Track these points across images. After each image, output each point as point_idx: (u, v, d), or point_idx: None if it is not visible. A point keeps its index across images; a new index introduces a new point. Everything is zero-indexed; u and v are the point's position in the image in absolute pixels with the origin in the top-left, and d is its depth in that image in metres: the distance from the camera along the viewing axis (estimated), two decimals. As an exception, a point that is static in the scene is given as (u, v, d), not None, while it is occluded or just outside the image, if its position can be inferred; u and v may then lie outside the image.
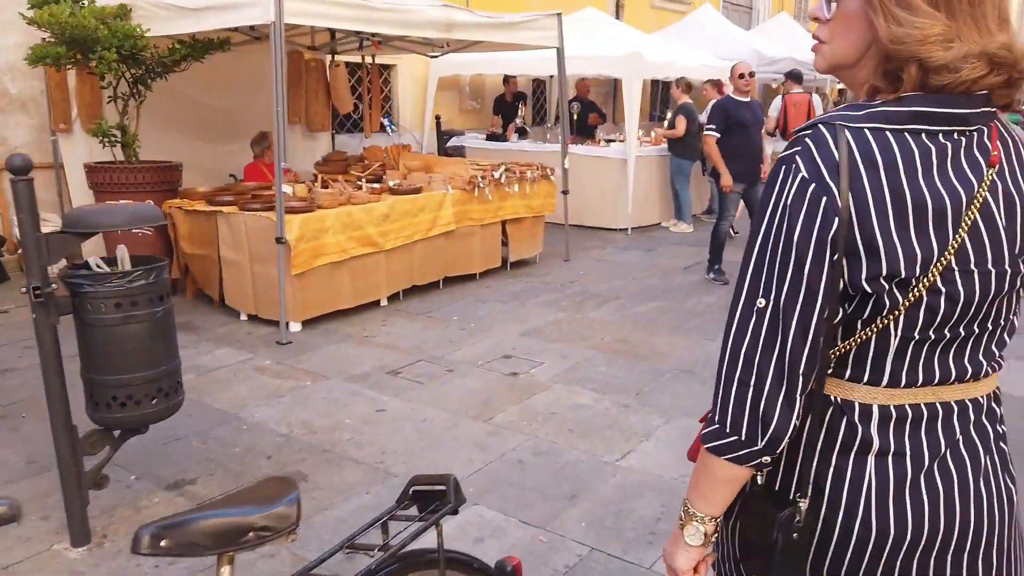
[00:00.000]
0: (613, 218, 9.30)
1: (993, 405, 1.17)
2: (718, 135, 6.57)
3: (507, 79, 10.47)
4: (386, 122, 9.82)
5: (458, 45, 7.63)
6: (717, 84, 10.03)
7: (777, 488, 1.17)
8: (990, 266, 1.06)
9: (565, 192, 7.58)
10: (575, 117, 10.06)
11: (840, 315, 1.07)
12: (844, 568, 1.12)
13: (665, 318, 5.66)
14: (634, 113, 8.85)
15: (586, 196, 9.42)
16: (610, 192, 9.26)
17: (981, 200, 1.04)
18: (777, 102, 9.76)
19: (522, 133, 10.19)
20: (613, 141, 9.73)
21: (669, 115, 9.60)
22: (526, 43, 7.02)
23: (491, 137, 9.91)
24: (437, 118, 8.90)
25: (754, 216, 1.15)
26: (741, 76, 6.71)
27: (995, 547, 1.14)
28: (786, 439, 1.08)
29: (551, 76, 11.63)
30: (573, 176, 9.25)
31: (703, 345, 5.03)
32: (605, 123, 10.78)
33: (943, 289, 1.03)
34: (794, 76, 10.01)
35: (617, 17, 13.62)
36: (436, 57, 8.10)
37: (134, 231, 5.08)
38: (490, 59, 9.27)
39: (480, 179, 6.38)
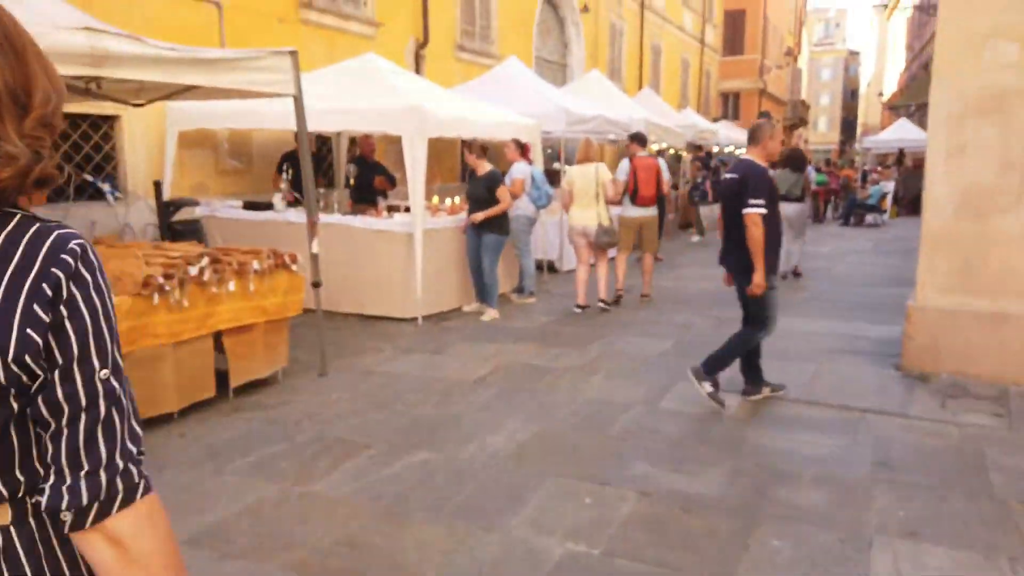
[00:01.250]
0: (400, 305, 7.38)
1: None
2: (765, 211, 4.57)
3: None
4: (106, 187, 7.44)
5: (170, 91, 5.53)
6: (518, 144, 8.48)
7: None
8: None
9: (316, 285, 5.57)
10: (351, 181, 8.15)
11: None
12: None
13: (426, 490, 3.73)
14: (419, 177, 7.04)
15: (366, 279, 7.45)
16: (396, 273, 7.35)
17: None
18: (625, 165, 8.43)
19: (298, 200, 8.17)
20: (397, 210, 7.89)
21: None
22: (249, 88, 5.02)
23: (249, 206, 7.77)
24: (156, 184, 6.66)
25: None
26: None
27: None
28: None
29: (338, 132, 9.69)
30: (351, 254, 7.29)
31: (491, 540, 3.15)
32: (396, 188, 8.92)
33: None
34: (639, 139, 8.85)
35: (417, 68, 11.95)
36: (140, 106, 5.91)
37: None
38: (238, 109, 7.19)
39: (163, 279, 4.24)
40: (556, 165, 12.05)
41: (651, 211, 8.33)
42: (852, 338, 6.55)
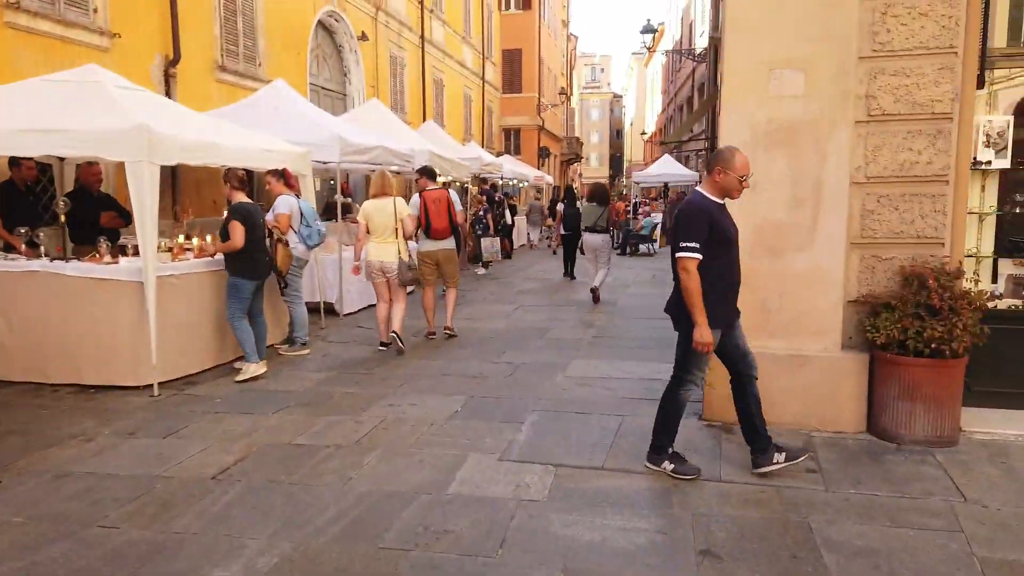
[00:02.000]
0: (130, 371, 5.84)
1: None
2: (699, 256, 3.82)
3: (16, 160, 6.66)
4: None
5: None
6: (281, 175, 7.27)
7: None
8: None
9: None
10: (62, 218, 6.47)
11: None
12: None
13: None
14: (147, 213, 5.61)
15: (83, 339, 5.84)
16: (123, 332, 5.81)
17: None
18: (415, 200, 7.71)
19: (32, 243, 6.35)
20: (126, 252, 6.34)
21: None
22: None
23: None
24: None
25: None
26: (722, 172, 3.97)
27: None
28: None
29: (61, 159, 7.82)
30: (64, 308, 5.70)
31: None
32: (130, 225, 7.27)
33: None
34: (427, 172, 8.31)
35: (167, 89, 10.25)
36: None
37: None
38: None
39: None
40: (338, 198, 10.89)
41: (447, 243, 7.86)
42: (649, 382, 6.05)
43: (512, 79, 32.82)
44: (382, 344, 7.38)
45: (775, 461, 4.07)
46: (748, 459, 4.25)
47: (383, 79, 18.67)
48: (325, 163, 9.70)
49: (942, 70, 4.57)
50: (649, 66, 55.75)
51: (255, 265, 6.45)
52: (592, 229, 10.60)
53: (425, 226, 7.63)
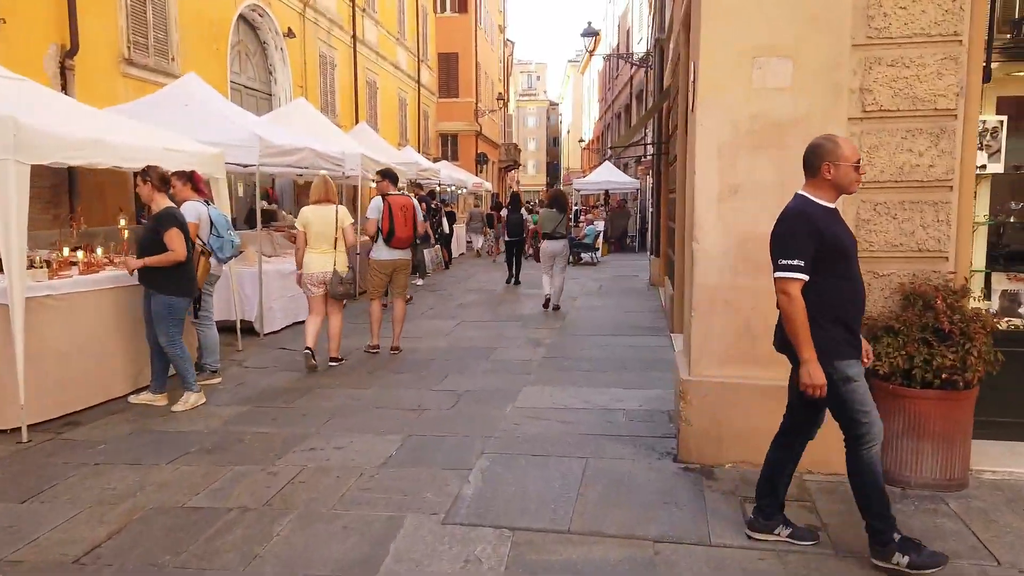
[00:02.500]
0: (-7, 412, 4.83)
1: None
2: (804, 277, 3.03)
3: None
4: None
5: None
6: (189, 177, 6.34)
7: None
8: None
9: None
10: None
11: None
12: None
13: None
14: (13, 221, 4.62)
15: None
16: (-18, 366, 4.80)
17: None
18: (377, 203, 7.28)
19: None
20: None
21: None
22: None
23: None
24: None
25: None
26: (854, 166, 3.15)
27: None
28: None
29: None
30: None
31: None
32: None
33: None
34: (390, 176, 7.70)
35: (63, 83, 9.11)
36: None
37: None
38: None
39: None
40: (265, 204, 9.93)
41: (406, 254, 7.47)
42: (611, 413, 5.36)
43: (449, 83, 32.02)
44: (307, 349, 6.79)
45: (775, 533, 3.38)
46: (739, 515, 3.58)
47: (312, 79, 17.64)
48: (245, 166, 8.74)
49: (945, 60, 4.02)
50: (586, 73, 55.73)
51: (191, 280, 5.55)
52: (551, 236, 10.29)
53: (388, 233, 7.14)
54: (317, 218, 6.72)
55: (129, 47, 10.48)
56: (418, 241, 8.23)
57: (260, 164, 8.33)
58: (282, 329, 8.75)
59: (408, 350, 7.68)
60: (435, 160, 25.27)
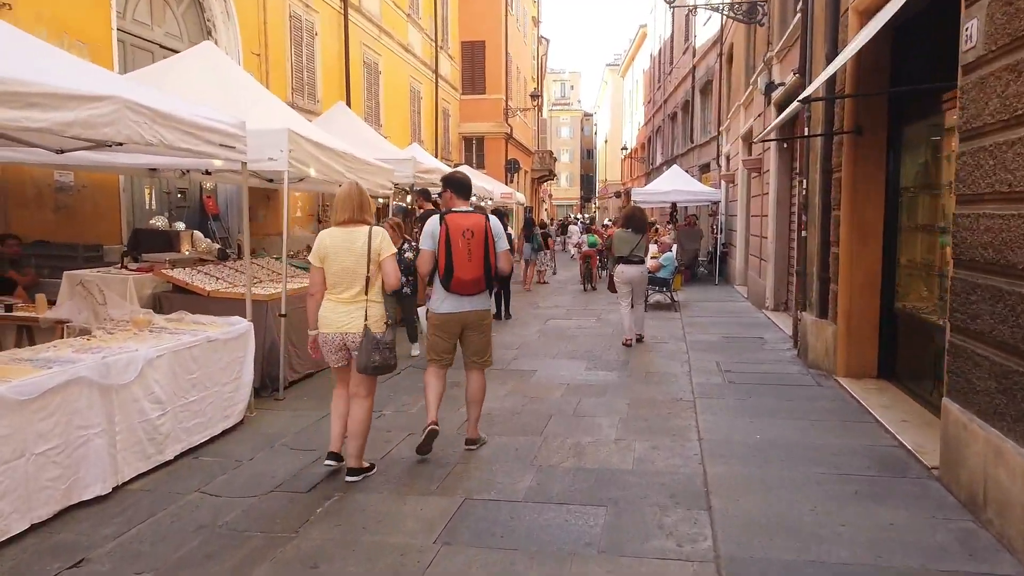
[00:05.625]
0: None
1: None
2: None
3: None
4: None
5: None
6: None
7: None
8: None
9: None
10: None
11: None
12: None
13: None
14: None
15: None
16: None
17: None
18: (433, 227, 4.63)
19: None
20: None
21: None
22: None
23: None
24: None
25: None
26: None
27: None
28: None
29: None
30: None
31: None
32: None
33: None
34: (456, 185, 4.93)
35: None
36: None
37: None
38: None
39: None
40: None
41: (480, 301, 4.78)
42: None
43: (474, 77, 26.95)
44: (331, 457, 4.47)
45: None
46: None
47: (277, 47, 12.59)
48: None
49: None
50: (628, 76, 50.45)
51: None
52: (628, 260, 8.82)
53: (445, 272, 4.59)
54: (339, 247, 4.24)
55: None
56: (493, 282, 4.94)
57: None
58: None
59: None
60: (455, 166, 20.16)
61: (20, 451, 3.49)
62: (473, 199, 14.33)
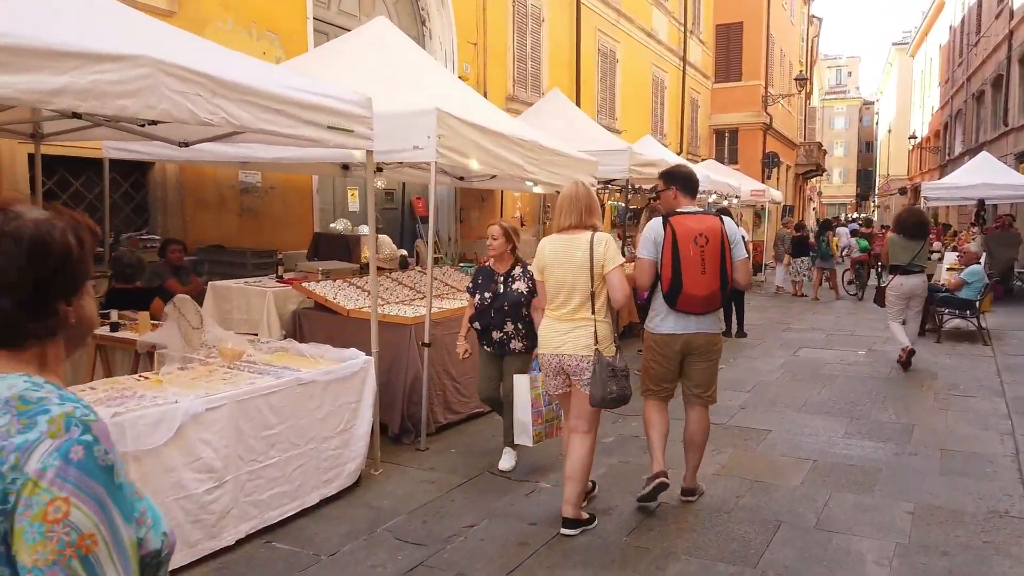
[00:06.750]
0: None
1: None
2: None
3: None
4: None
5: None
6: None
7: None
8: None
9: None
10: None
11: None
12: None
13: None
14: None
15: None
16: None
17: None
18: (654, 232, 3.94)
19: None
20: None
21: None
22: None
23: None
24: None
25: None
26: None
27: None
28: None
29: None
30: None
31: None
32: None
33: None
34: (681, 180, 4.04)
35: None
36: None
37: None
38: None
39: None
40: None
41: (709, 323, 3.95)
42: None
43: (728, 63, 24.28)
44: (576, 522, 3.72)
45: None
46: None
47: (497, 35, 11.59)
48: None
49: None
50: (918, 54, 43.47)
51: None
52: (907, 270, 7.46)
53: (670, 286, 3.83)
54: (558, 257, 3.67)
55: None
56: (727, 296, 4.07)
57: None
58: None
59: None
60: (701, 161, 18.01)
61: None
62: (700, 196, 12.21)
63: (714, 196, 12.78)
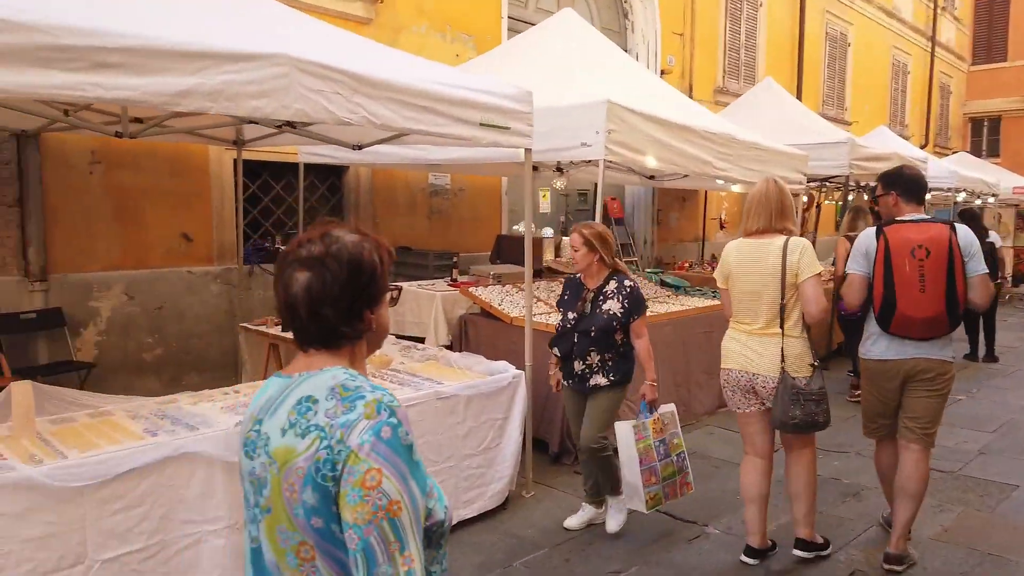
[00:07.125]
0: None
1: None
2: None
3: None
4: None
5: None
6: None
7: None
8: None
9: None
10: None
11: None
12: None
13: None
14: None
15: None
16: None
17: None
18: (866, 241, 3.41)
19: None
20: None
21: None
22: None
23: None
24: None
25: None
26: None
27: None
28: None
29: None
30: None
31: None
32: None
33: None
34: (904, 183, 3.55)
35: None
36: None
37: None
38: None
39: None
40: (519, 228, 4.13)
41: (935, 348, 3.29)
42: None
43: (990, 41, 20.96)
44: (749, 554, 3.36)
45: None
46: None
47: (706, 23, 10.82)
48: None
49: None
50: None
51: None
52: None
53: (882, 306, 3.29)
54: (745, 264, 3.31)
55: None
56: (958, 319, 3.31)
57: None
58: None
59: None
60: (950, 154, 15.71)
61: (80, 555, 2.51)
62: (946, 195, 10.45)
63: (963, 195, 10.96)
